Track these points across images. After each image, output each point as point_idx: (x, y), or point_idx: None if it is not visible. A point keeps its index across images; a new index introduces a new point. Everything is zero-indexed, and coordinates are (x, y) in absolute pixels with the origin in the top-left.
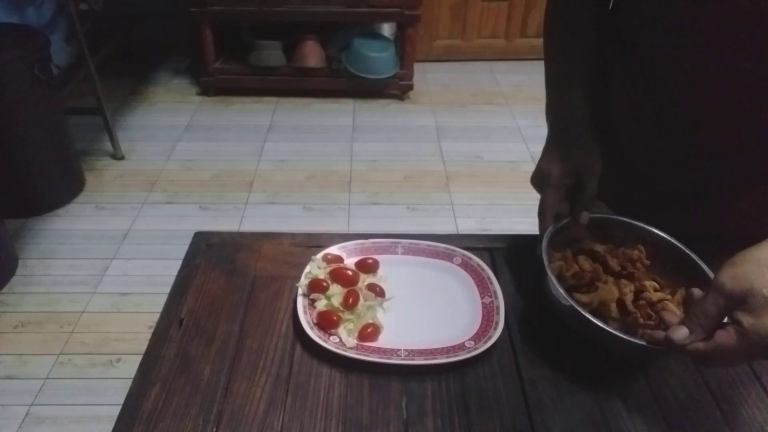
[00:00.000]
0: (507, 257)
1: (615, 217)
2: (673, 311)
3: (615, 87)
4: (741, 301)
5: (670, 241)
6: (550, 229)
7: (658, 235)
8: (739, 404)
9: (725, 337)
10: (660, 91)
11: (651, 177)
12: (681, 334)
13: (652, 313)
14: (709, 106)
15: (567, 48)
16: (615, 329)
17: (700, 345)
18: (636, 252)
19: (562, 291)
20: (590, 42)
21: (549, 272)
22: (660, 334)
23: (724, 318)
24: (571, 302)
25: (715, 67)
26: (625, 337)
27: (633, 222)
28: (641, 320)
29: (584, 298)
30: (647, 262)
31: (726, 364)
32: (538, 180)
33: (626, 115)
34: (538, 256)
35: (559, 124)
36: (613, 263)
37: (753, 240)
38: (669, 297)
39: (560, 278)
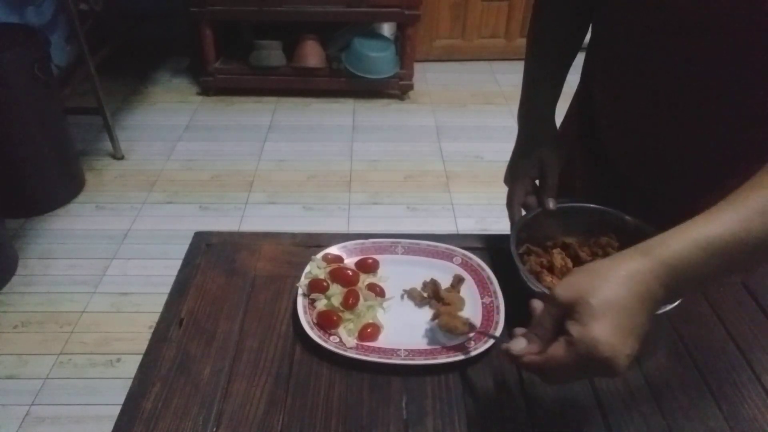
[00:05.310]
0: (507, 257)
1: (586, 205)
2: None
3: (597, 87)
4: (571, 310)
5: (642, 226)
6: (519, 219)
7: (630, 221)
8: (739, 404)
9: (556, 347)
10: (636, 90)
11: (631, 177)
12: (517, 345)
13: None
14: (680, 104)
15: (541, 49)
16: None
17: (535, 357)
18: (605, 238)
19: (526, 274)
20: (566, 44)
21: (516, 259)
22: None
23: (558, 328)
24: (540, 287)
25: (684, 66)
26: None
27: (605, 209)
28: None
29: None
30: (616, 244)
31: (563, 378)
32: (507, 176)
33: (606, 115)
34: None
35: (526, 123)
36: (584, 254)
37: None
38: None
39: (535, 273)
